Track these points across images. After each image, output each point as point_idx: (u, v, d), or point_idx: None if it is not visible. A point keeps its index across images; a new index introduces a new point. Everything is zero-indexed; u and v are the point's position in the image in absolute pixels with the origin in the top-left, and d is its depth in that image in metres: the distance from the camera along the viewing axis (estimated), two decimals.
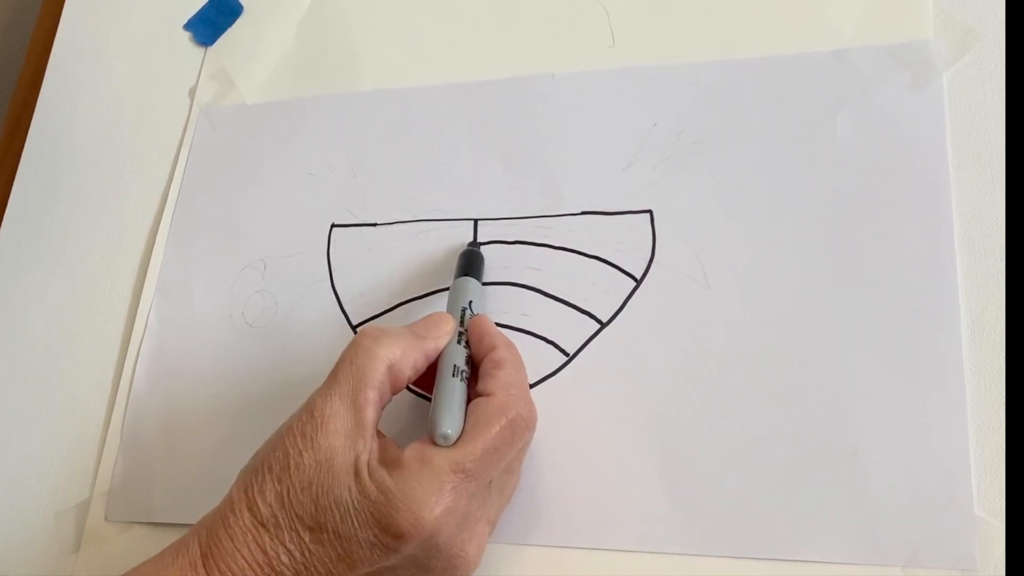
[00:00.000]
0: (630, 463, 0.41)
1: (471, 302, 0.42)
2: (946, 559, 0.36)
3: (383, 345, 0.37)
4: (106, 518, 0.47)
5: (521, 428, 0.37)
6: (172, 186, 0.54)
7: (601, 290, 0.44)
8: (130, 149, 0.57)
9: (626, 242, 0.45)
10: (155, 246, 0.53)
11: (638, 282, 0.44)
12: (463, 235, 0.47)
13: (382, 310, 0.47)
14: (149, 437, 0.48)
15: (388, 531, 0.33)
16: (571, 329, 0.44)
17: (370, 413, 0.36)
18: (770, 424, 0.40)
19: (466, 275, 0.43)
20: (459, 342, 0.39)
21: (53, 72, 0.61)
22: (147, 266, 0.52)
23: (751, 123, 0.45)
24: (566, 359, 0.44)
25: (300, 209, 0.51)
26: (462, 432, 0.35)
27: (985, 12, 0.44)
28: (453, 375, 0.38)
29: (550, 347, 0.44)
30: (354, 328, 0.47)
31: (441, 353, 0.39)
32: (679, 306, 0.43)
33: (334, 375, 0.37)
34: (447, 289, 0.44)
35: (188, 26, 0.58)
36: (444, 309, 0.41)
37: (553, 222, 0.46)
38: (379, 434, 0.37)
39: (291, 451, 0.35)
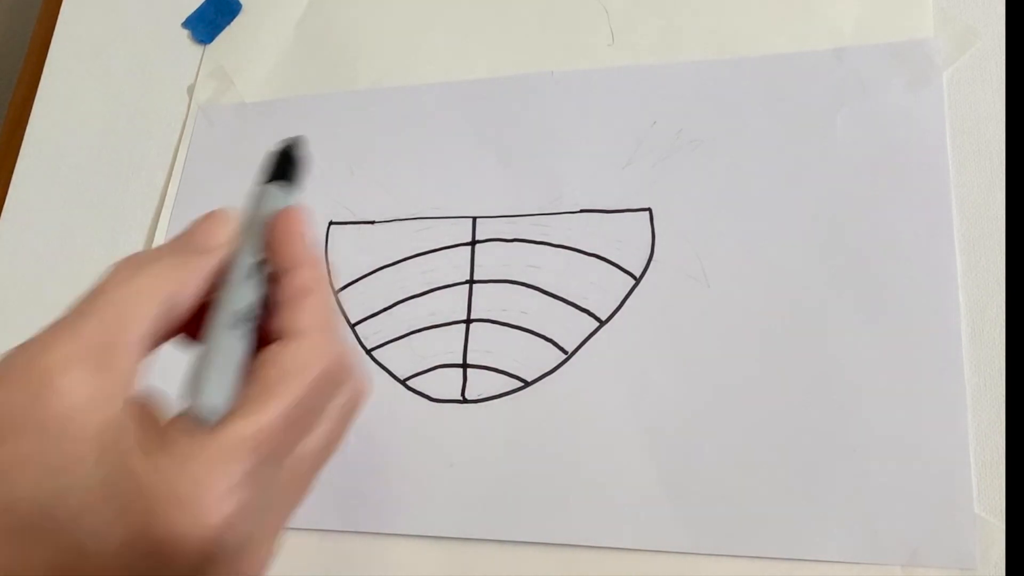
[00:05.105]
0: (629, 461, 0.41)
1: None
2: (946, 558, 0.36)
3: (150, 275, 0.26)
4: None
5: (337, 377, 0.27)
6: (171, 184, 0.54)
7: (600, 288, 0.44)
8: (128, 147, 0.56)
9: (625, 240, 0.45)
10: (153, 244, 0.53)
11: (637, 280, 0.44)
12: (462, 233, 0.47)
13: (380, 308, 0.47)
14: None
15: (148, 538, 0.23)
16: (570, 327, 0.44)
17: (128, 365, 0.25)
18: (770, 423, 0.40)
19: (273, 181, 0.31)
20: (250, 264, 0.28)
21: (51, 70, 0.61)
22: None
23: (751, 122, 0.45)
24: (565, 357, 0.43)
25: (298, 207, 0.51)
26: (254, 394, 0.25)
27: (985, 11, 0.44)
28: (229, 322, 0.27)
29: (549, 345, 0.44)
30: (352, 326, 0.47)
31: (222, 282, 0.28)
32: (678, 304, 0.43)
33: (81, 312, 0.26)
34: (446, 287, 0.44)
35: (186, 24, 0.58)
36: (442, 308, 0.40)
37: (552, 220, 0.46)
38: (143, 397, 0.26)
39: (4, 409, 0.24)
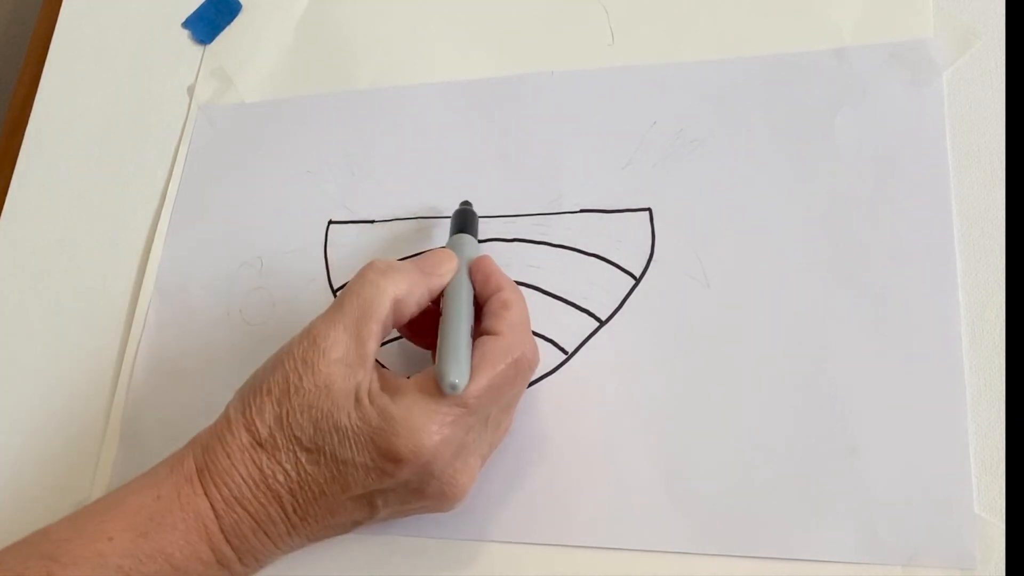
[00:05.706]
0: (629, 462, 0.41)
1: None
2: (946, 558, 0.36)
3: (390, 280, 0.37)
4: None
5: (524, 368, 0.37)
6: (171, 184, 0.54)
7: (600, 288, 0.44)
8: (129, 147, 0.56)
9: (625, 240, 0.45)
10: (153, 244, 0.53)
11: (637, 280, 0.44)
12: None
13: None
14: (148, 435, 0.48)
15: (387, 456, 0.35)
16: (570, 327, 0.44)
17: (372, 345, 0.37)
18: (770, 423, 0.40)
19: (462, 232, 0.43)
20: (472, 291, 0.39)
21: (51, 70, 0.61)
22: (145, 264, 0.52)
23: (751, 122, 0.45)
24: (565, 357, 0.43)
25: (298, 206, 0.51)
26: None
27: (985, 11, 0.44)
28: (461, 322, 0.37)
29: (549, 345, 0.44)
30: None
31: (445, 298, 0.39)
32: (678, 304, 0.43)
33: (339, 305, 0.37)
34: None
35: (187, 24, 0.58)
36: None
37: (552, 220, 0.46)
38: (377, 364, 0.38)
39: (291, 375, 0.36)
